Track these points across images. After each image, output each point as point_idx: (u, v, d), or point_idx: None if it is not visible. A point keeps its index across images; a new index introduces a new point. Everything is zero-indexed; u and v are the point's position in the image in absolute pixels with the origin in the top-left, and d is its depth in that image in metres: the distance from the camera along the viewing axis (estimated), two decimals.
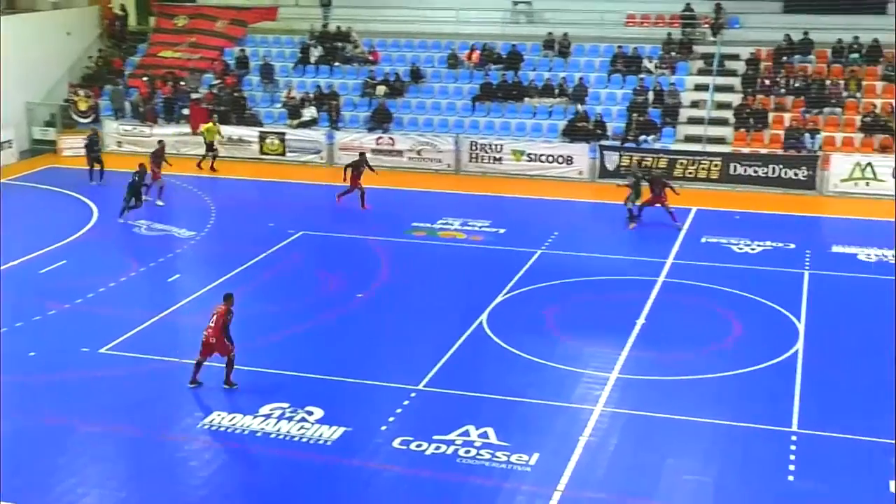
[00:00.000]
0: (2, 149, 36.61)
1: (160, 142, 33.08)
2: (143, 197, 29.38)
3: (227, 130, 37.31)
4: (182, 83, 39.63)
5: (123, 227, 28.57)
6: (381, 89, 38.33)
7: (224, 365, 18.74)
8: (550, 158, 34.80)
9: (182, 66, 41.10)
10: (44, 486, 15.49)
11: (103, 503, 15.15)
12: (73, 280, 24.41)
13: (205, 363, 18.77)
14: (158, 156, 31.82)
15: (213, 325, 18.58)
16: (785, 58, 37.12)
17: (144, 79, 40.05)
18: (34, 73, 39.50)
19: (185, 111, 38.32)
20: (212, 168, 35.48)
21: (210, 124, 35.81)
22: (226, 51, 42.04)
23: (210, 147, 35.55)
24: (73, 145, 37.92)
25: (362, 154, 31.44)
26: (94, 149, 33.76)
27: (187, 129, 37.78)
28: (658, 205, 28.40)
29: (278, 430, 17.17)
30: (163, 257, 26.46)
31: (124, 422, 17.59)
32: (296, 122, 37.62)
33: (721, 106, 36.38)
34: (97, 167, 33.76)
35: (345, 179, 30.29)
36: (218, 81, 39.64)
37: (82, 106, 39.40)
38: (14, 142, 37.33)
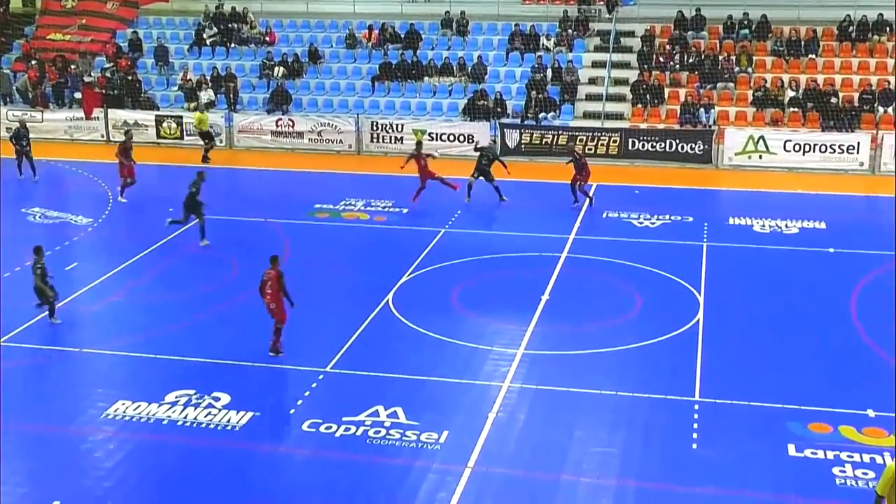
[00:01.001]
0: None
1: (128, 132, 31.14)
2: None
3: (122, 115, 36.56)
4: (72, 67, 38.64)
5: (17, 216, 27.81)
6: (279, 71, 37.95)
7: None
8: (451, 137, 34.88)
9: (72, 49, 40.10)
10: None
11: (5, 500, 14.75)
12: None
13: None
14: (128, 148, 29.69)
15: (269, 291, 18.92)
16: (679, 34, 37.75)
17: (33, 63, 38.94)
18: None
19: (78, 95, 37.37)
20: (204, 158, 34.04)
21: (199, 113, 34.66)
22: (118, 33, 41.12)
23: (207, 136, 34.26)
24: None
25: (419, 143, 30.24)
26: (21, 142, 31.39)
27: (80, 113, 36.88)
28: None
29: (185, 417, 16.94)
30: (59, 245, 25.82)
31: (24, 415, 17.16)
32: (193, 105, 36.99)
33: (618, 82, 36.89)
34: (28, 160, 31.54)
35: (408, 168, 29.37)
36: (111, 65, 38.77)
37: None
38: None
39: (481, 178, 28.95)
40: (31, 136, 32.14)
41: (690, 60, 36.79)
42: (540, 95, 35.71)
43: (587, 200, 28.55)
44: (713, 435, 16.35)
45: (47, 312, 20.85)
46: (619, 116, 35.77)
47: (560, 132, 34.18)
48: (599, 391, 17.94)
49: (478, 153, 29.38)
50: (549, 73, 36.72)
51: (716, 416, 16.99)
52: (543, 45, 38.13)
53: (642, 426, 16.78)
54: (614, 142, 33.73)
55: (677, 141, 33.61)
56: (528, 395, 17.90)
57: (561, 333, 20.36)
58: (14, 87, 38.40)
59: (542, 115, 35.28)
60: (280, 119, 35.76)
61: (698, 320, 20.92)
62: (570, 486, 15.12)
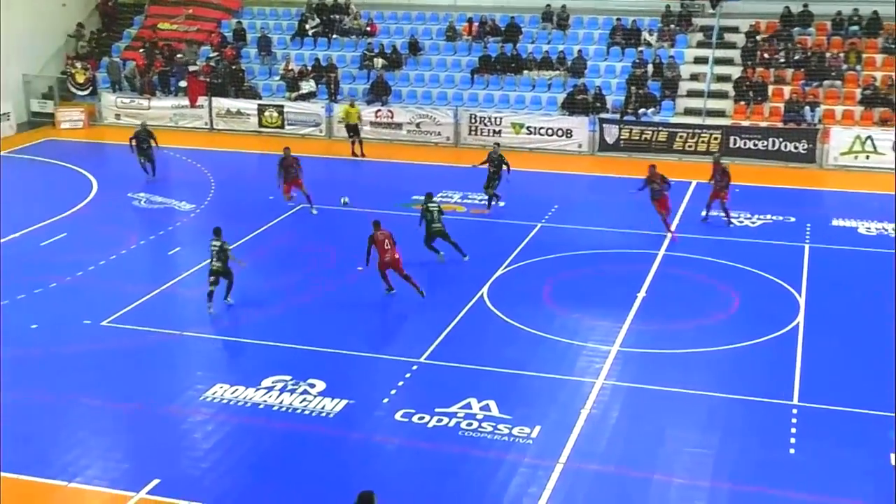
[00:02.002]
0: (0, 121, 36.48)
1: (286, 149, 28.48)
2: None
3: (226, 103, 37.23)
4: (179, 56, 39.44)
5: (123, 200, 28.51)
6: (379, 62, 38.19)
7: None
8: (550, 131, 34.75)
9: (179, 39, 40.89)
10: (47, 459, 15.55)
11: (106, 475, 15.19)
12: (74, 253, 24.41)
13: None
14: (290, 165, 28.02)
15: (388, 247, 21.52)
16: (784, 30, 36.99)
17: (141, 51, 39.85)
18: (31, 46, 39.31)
19: (183, 83, 38.13)
20: (356, 153, 33.96)
21: (349, 107, 34.47)
22: (223, 23, 41.83)
23: (354, 130, 34.16)
24: (70, 117, 37.89)
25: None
26: (141, 144, 30.53)
27: (185, 101, 37.63)
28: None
29: (280, 403, 17.21)
30: (163, 230, 26.44)
31: (127, 395, 17.63)
32: (294, 94, 37.49)
33: (720, 79, 36.29)
34: (147, 162, 30.82)
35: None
36: (215, 54, 39.46)
37: (80, 78, 39.22)
38: (12, 114, 37.17)
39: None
40: (138, 123, 32.72)
41: (796, 57, 36.02)
42: (640, 91, 35.33)
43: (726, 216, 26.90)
44: (812, 440, 16.03)
45: (215, 294, 21.35)
46: (721, 114, 35.20)
47: (659, 128, 33.79)
48: (694, 391, 17.73)
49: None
50: (649, 68, 36.31)
51: (815, 421, 16.65)
52: (645, 39, 37.69)
53: (738, 428, 16.53)
54: (715, 139, 33.20)
55: (780, 139, 32.95)
56: (621, 392, 17.78)
57: (656, 331, 20.15)
58: (123, 75, 39.34)
59: (641, 110, 34.91)
60: (379, 110, 36.00)
61: (798, 323, 20.51)
62: (663, 486, 14.98)
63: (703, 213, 26.83)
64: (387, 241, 21.69)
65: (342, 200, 27.57)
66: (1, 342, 19.35)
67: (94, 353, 19.24)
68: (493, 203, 28.17)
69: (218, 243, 21.27)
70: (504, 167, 27.87)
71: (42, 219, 26.85)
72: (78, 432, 16.37)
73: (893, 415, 16.74)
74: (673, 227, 25.84)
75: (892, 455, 15.53)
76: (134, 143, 30.41)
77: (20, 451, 15.76)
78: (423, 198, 25.38)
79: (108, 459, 15.63)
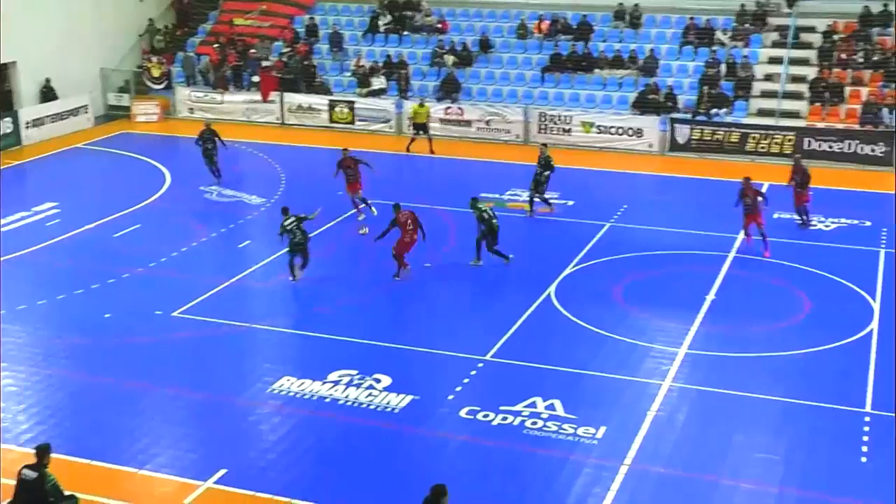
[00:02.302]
0: (78, 114, 37.16)
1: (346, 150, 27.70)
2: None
3: (297, 98, 37.55)
4: (252, 51, 39.85)
5: (195, 193, 28.87)
6: (449, 59, 38.22)
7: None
8: (620, 131, 34.51)
9: (253, 34, 41.31)
10: (118, 446, 15.84)
11: (175, 464, 15.43)
12: (147, 244, 24.81)
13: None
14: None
15: (411, 227, 22.42)
16: (863, 30, 36.31)
17: (215, 46, 40.34)
18: (109, 40, 39.99)
19: (256, 78, 38.53)
20: (410, 149, 34.12)
21: (418, 106, 34.53)
22: (296, 19, 42.18)
23: (423, 129, 34.17)
24: (146, 111, 38.50)
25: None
26: (206, 144, 29.97)
27: (257, 96, 38.03)
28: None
29: (346, 397, 17.33)
30: (233, 223, 26.76)
31: (196, 385, 17.89)
32: (365, 90, 37.67)
33: (795, 79, 35.71)
34: (210, 163, 30.21)
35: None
36: (288, 49, 39.81)
37: (155, 72, 39.83)
38: (90, 107, 37.87)
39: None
40: (211, 117, 33.06)
41: (875, 58, 35.33)
42: (712, 91, 34.91)
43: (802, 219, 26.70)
44: (885, 449, 15.72)
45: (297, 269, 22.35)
46: (795, 115, 34.64)
47: (732, 129, 33.38)
48: (763, 396, 17.51)
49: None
50: (723, 68, 35.85)
51: (888, 429, 16.32)
52: (718, 39, 37.24)
53: (807, 434, 16.30)
54: (789, 140, 32.70)
55: (857, 142, 32.34)
56: (688, 395, 17.61)
57: (726, 334, 19.92)
58: (197, 70, 39.87)
59: (713, 110, 34.50)
60: (449, 107, 36.04)
61: (872, 329, 20.12)
62: (729, 490, 14.82)
63: (798, 219, 26.40)
64: (409, 221, 22.44)
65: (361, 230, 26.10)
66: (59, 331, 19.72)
67: (165, 344, 19.55)
68: (533, 205, 27.40)
69: (291, 218, 22.18)
70: (550, 168, 27.35)
71: (116, 210, 27.32)
72: (149, 421, 16.65)
73: (894, 415, 16.58)
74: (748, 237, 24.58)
75: None
76: (200, 143, 29.89)
77: (93, 437, 16.08)
78: (492, 196, 25.50)
79: (177, 448, 15.87)
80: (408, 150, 34.13)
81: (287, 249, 22.47)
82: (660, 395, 17.48)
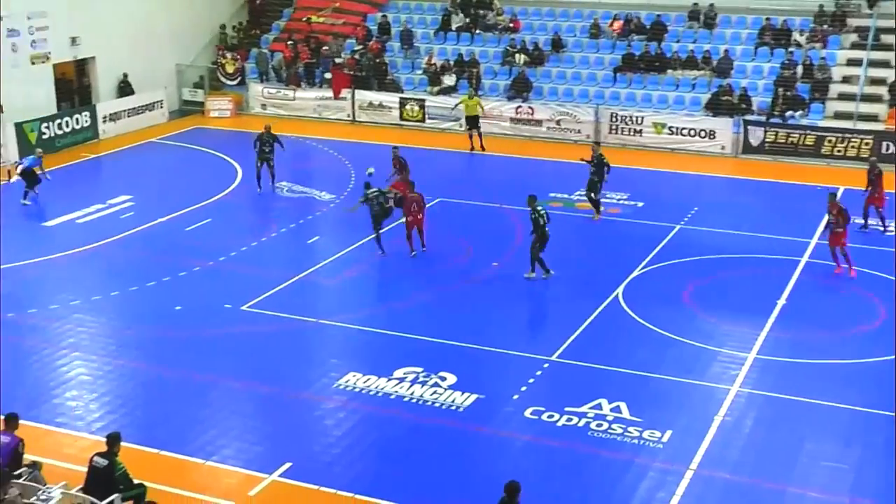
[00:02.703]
0: (153, 109, 37.78)
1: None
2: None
3: (368, 96, 37.75)
4: (325, 48, 40.15)
5: (266, 189, 29.13)
6: (521, 58, 38.12)
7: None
8: (692, 132, 34.14)
9: (326, 31, 41.60)
10: (186, 437, 16.07)
11: (241, 456, 15.60)
12: (218, 238, 25.14)
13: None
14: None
15: (416, 208, 23.58)
16: None
17: (288, 43, 40.71)
18: (184, 36, 40.57)
19: (328, 75, 38.80)
20: (474, 147, 34.18)
21: (467, 98, 34.57)
22: (369, 16, 42.39)
23: (474, 122, 34.20)
24: (219, 106, 39.00)
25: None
26: (264, 147, 28.86)
27: (329, 93, 38.30)
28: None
29: (411, 394, 17.38)
30: (303, 219, 26.98)
31: (263, 378, 18.08)
32: (436, 89, 37.73)
33: (874, 82, 35.01)
34: (268, 168, 28.97)
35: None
36: (360, 47, 40.02)
37: (229, 68, 40.30)
38: (164, 102, 38.46)
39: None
40: (283, 113, 33.23)
41: None
42: (788, 93, 34.37)
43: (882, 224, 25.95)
44: None
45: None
46: (874, 118, 33.96)
47: (807, 132, 32.84)
48: (834, 403, 17.19)
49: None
50: (799, 69, 35.28)
51: None
52: (795, 40, 36.65)
53: (880, 445, 15.95)
54: (866, 144, 32.08)
55: None
56: (757, 400, 17.37)
57: (796, 340, 19.60)
58: (270, 66, 40.26)
59: (788, 113, 33.97)
60: (520, 106, 35.95)
61: None
62: (797, 499, 14.61)
63: (862, 222, 25.87)
64: (415, 204, 23.60)
65: (368, 171, 26.11)
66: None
67: (234, 337, 19.78)
68: (599, 207, 27.08)
69: (374, 189, 23.62)
70: (605, 168, 27.05)
71: (189, 204, 27.71)
72: (216, 413, 16.87)
73: (894, 414, 16.34)
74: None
75: None
76: (257, 145, 28.87)
77: (162, 427, 16.34)
78: (562, 196, 25.32)
79: (243, 441, 16.05)
80: (472, 149, 34.08)
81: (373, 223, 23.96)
82: (727, 400, 17.27)
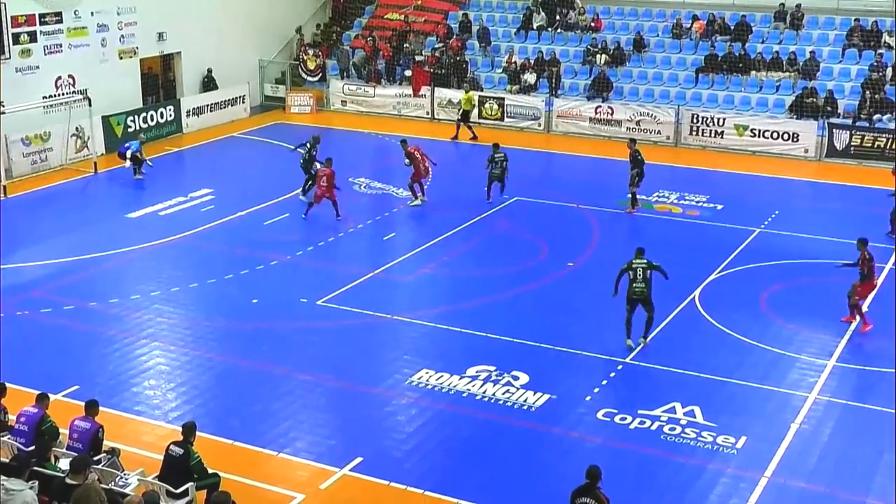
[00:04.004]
0: (235, 104, 38.30)
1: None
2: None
3: (447, 93, 37.82)
4: (405, 45, 40.31)
5: (344, 184, 29.24)
6: (602, 58, 37.87)
7: None
8: (775, 135, 33.60)
9: (407, 29, 41.74)
10: (259, 429, 16.24)
11: (313, 449, 15.74)
12: (295, 233, 25.40)
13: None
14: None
15: (324, 184, 25.50)
16: None
17: (369, 40, 40.96)
18: (267, 32, 41.04)
19: (408, 73, 38.95)
20: (473, 136, 35.20)
21: (464, 93, 35.97)
22: (450, 14, 42.46)
23: (465, 117, 35.58)
24: (300, 102, 39.38)
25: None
26: (311, 152, 28.21)
27: (409, 90, 38.44)
28: None
29: (484, 393, 17.37)
30: (380, 215, 27.12)
31: (337, 372, 18.22)
32: (515, 87, 37.67)
33: None
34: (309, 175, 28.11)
35: None
36: (441, 45, 40.10)
37: (311, 65, 40.68)
38: (247, 97, 38.97)
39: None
40: (362, 110, 33.29)
41: None
42: (876, 96, 33.62)
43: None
44: None
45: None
46: None
47: (894, 135, 32.10)
48: None
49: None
50: (888, 72, 34.49)
51: None
52: (885, 42, 35.85)
53: None
54: None
55: None
56: (835, 409, 17.04)
57: (877, 348, 19.17)
58: (351, 63, 40.54)
59: (876, 116, 33.23)
60: (599, 106, 35.72)
61: None
62: None
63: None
64: (324, 178, 25.55)
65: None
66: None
67: (309, 331, 19.96)
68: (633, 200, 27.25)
69: (500, 154, 26.91)
70: (638, 165, 26.92)
71: (267, 198, 28.03)
72: (289, 406, 17.03)
73: (893, 412, 16.03)
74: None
75: None
76: (305, 150, 28.27)
77: (236, 418, 16.55)
78: (642, 197, 25.04)
79: (315, 434, 16.19)
80: (455, 138, 35.22)
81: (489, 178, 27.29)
82: (804, 408, 16.96)
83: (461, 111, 36.05)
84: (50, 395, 14.75)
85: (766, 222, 26.41)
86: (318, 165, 27.23)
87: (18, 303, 20.89)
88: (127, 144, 30.74)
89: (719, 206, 27.75)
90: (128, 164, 30.27)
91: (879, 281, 21.98)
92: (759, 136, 33.71)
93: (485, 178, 27.92)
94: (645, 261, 18.91)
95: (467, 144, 34.68)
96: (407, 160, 27.64)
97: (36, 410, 14.07)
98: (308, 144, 28.41)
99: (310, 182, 27.63)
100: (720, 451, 15.61)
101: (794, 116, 33.96)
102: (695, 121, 34.48)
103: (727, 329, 19.95)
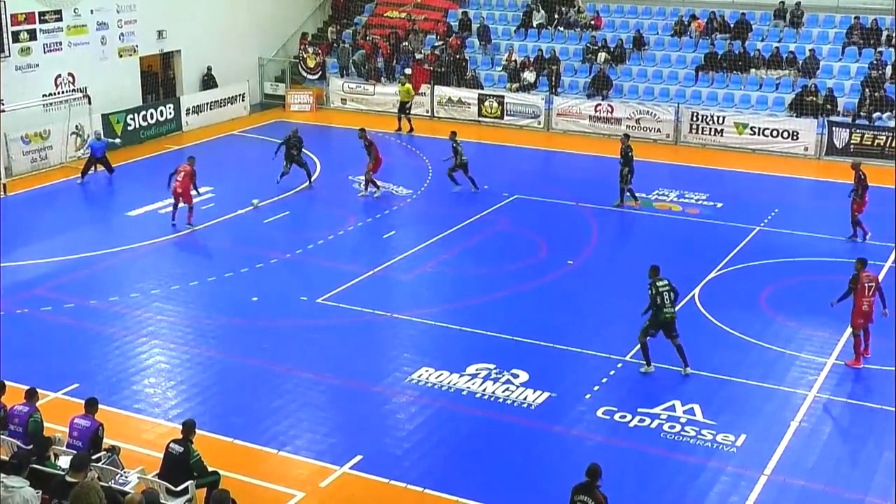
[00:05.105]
0: (235, 102, 38.28)
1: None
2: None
3: (447, 91, 37.80)
4: (405, 44, 40.29)
5: (344, 182, 29.38)
6: (602, 56, 37.86)
7: None
8: (775, 133, 33.60)
9: (406, 27, 41.74)
10: (259, 427, 16.26)
11: (313, 447, 15.74)
12: (295, 231, 25.40)
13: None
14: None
15: (179, 179, 24.85)
16: None
17: (368, 38, 40.94)
18: (267, 30, 41.03)
19: (408, 71, 38.93)
20: (410, 128, 36.07)
21: (400, 84, 36.86)
22: (449, 12, 42.44)
23: (403, 107, 36.39)
24: (299, 100, 39.36)
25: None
26: (291, 150, 28.84)
27: None
28: None
29: (483, 391, 17.38)
30: (380, 213, 27.12)
31: (337, 370, 18.22)
32: (515, 85, 37.66)
33: None
34: (299, 166, 28.98)
35: None
36: (440, 43, 40.09)
37: (311, 63, 40.65)
38: (247, 96, 38.95)
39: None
40: (362, 108, 33.37)
41: None
42: (876, 94, 33.63)
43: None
44: None
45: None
46: None
47: (894, 133, 32.10)
48: None
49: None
50: (888, 70, 34.50)
51: None
52: (886, 39, 35.86)
53: None
54: None
55: None
56: (835, 407, 17.06)
57: (878, 346, 19.12)
58: (351, 61, 40.52)
59: (876, 114, 33.23)
60: (599, 104, 35.71)
61: None
62: None
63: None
64: (181, 174, 24.90)
65: (253, 202, 27.40)
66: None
67: (308, 329, 19.97)
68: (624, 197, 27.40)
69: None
70: (628, 161, 27.12)
71: (267, 196, 28.01)
72: (290, 404, 17.04)
73: (893, 409, 16.05)
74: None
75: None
76: (283, 148, 28.83)
77: (236, 416, 16.55)
78: (639, 195, 25.01)
79: (315, 432, 16.19)
80: (399, 130, 35.96)
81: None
82: (804, 406, 16.97)
83: (399, 103, 36.62)
84: (49, 392, 14.76)
85: (765, 220, 26.41)
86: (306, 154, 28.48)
87: (18, 301, 20.91)
88: (99, 143, 30.08)
89: (719, 205, 27.76)
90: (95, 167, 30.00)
91: (880, 275, 22.04)
92: (758, 135, 33.71)
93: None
94: (666, 281, 18.07)
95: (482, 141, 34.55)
96: (366, 149, 28.00)
97: (26, 409, 14.05)
98: (286, 141, 28.93)
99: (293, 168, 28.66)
100: (720, 450, 15.62)
101: (794, 114, 33.96)
102: (695, 119, 34.47)
103: (727, 327, 19.95)
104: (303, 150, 29.02)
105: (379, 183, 28.19)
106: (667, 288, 18.01)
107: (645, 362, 18.18)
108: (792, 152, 33.19)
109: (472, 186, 28.38)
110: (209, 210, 26.98)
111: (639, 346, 18.25)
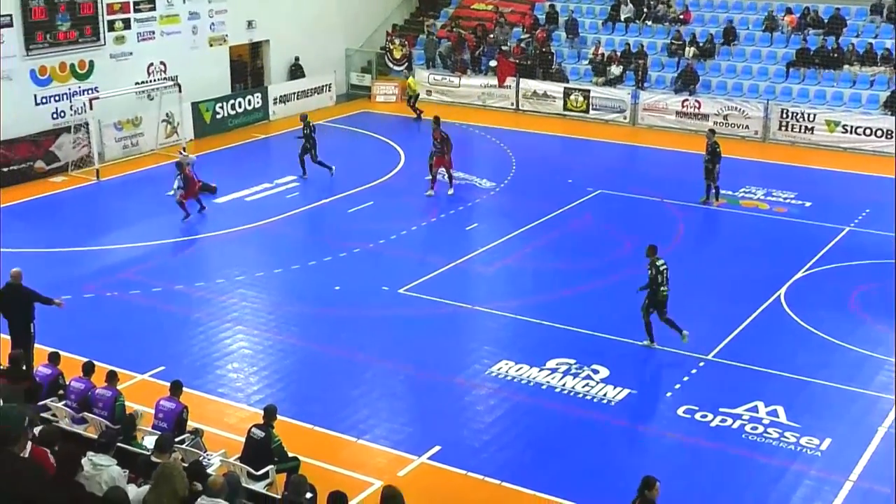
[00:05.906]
0: (322, 92, 38.61)
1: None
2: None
3: (533, 85, 37.66)
4: (491, 36, 40.23)
5: (427, 174, 29.40)
6: (690, 50, 37.37)
7: None
8: (868, 131, 32.84)
9: (493, 19, 41.66)
10: (339, 414, 16.41)
11: (392, 436, 15.84)
12: (379, 221, 25.53)
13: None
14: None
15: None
16: None
17: (455, 30, 40.95)
18: (354, 21, 41.31)
19: (493, 63, 38.87)
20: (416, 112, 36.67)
21: (403, 77, 37.43)
22: (536, 5, 42.25)
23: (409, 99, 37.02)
24: (385, 91, 39.59)
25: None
26: (305, 144, 29.05)
27: (494, 81, 38.36)
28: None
29: (563, 385, 17.31)
30: (462, 206, 27.14)
31: (417, 361, 18.30)
32: (601, 79, 37.37)
33: None
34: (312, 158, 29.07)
35: None
36: (527, 35, 39.95)
37: (397, 54, 40.81)
38: (333, 86, 39.26)
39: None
40: (447, 100, 33.52)
41: None
42: None
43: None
44: None
45: None
46: None
47: None
48: None
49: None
50: None
51: None
52: None
53: None
54: None
55: None
56: None
57: None
58: (437, 52, 40.59)
59: None
60: (686, 100, 35.25)
61: None
62: None
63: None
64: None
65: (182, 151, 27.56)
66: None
67: (390, 319, 20.09)
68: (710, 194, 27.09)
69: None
70: (716, 157, 26.67)
71: (352, 187, 28.23)
72: (369, 393, 17.17)
73: (893, 408, 15.70)
74: None
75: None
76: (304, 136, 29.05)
77: (317, 404, 16.73)
78: (726, 192, 24.65)
79: (394, 422, 16.30)
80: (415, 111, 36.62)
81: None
82: (893, 411, 16.57)
83: (408, 96, 37.32)
84: (136, 374, 15.04)
85: (856, 221, 25.85)
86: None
87: (108, 283, 21.40)
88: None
89: (808, 204, 27.24)
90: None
91: None
92: (850, 133, 32.97)
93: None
94: (664, 261, 18.56)
95: (548, 136, 34.53)
96: (438, 142, 27.61)
97: (109, 393, 14.33)
98: (304, 128, 29.13)
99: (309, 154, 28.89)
100: (803, 453, 15.35)
101: (889, 113, 33.13)
102: (784, 116, 33.84)
103: (812, 328, 19.58)
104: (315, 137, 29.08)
105: (446, 178, 27.94)
106: (665, 267, 18.52)
107: (648, 338, 18.66)
108: (886, 151, 32.37)
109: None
110: (293, 199, 27.30)
111: (644, 323, 18.65)
